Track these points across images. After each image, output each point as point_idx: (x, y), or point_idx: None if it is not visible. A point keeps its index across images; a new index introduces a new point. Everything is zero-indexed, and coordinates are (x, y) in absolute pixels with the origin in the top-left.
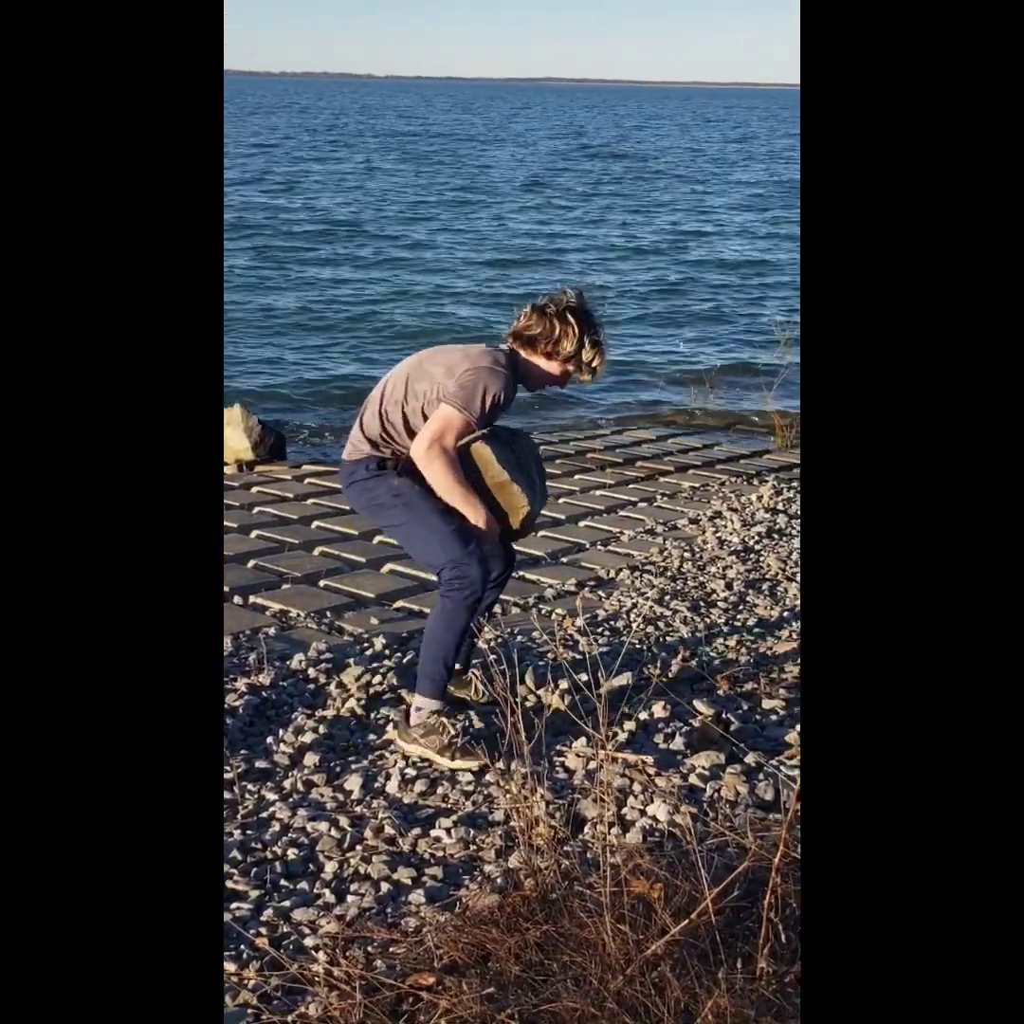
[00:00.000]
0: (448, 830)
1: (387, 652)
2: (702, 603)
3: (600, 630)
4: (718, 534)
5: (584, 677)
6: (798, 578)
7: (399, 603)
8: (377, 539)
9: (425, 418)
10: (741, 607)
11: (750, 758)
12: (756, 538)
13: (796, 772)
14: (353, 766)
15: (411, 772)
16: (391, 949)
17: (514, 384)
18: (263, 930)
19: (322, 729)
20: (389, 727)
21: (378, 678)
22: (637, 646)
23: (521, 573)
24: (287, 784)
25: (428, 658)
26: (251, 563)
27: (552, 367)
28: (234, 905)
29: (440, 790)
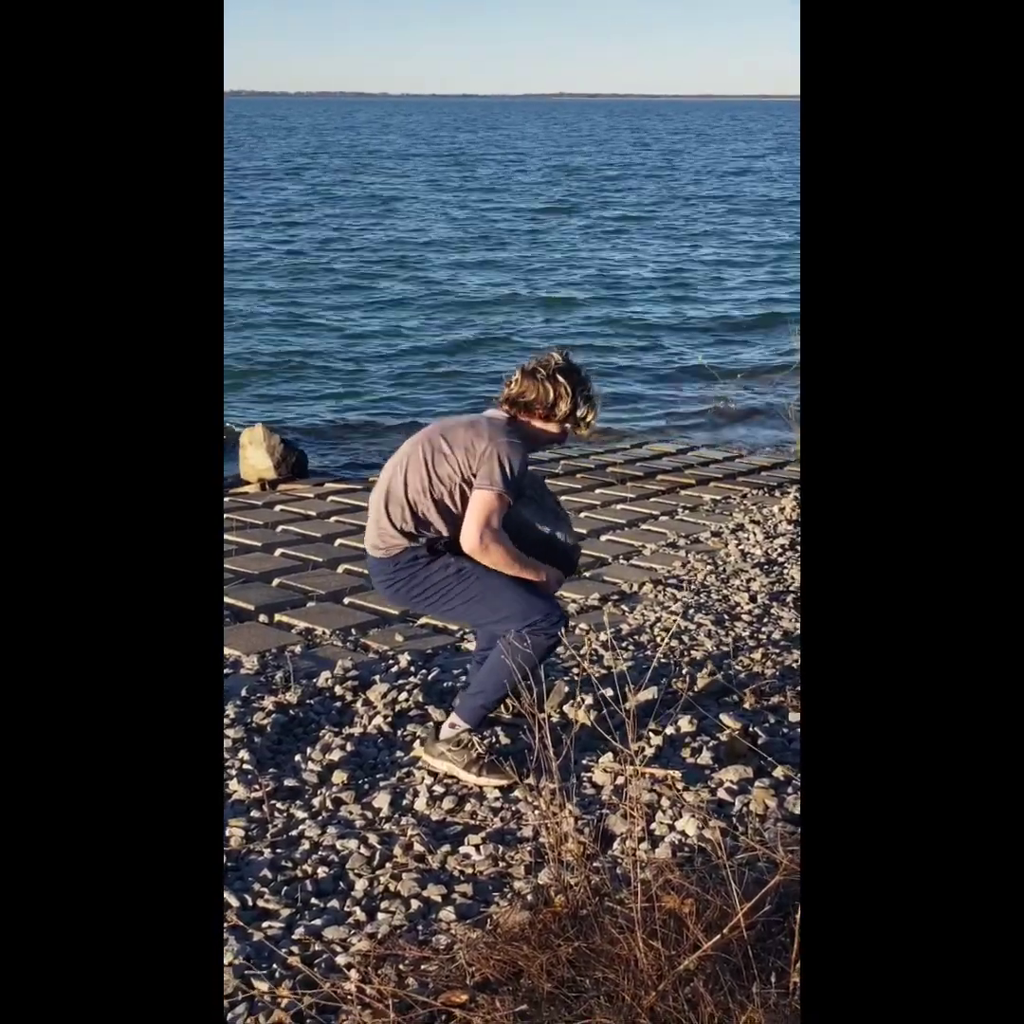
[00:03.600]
0: (477, 847)
1: (412, 668)
2: (726, 616)
3: (625, 644)
4: (741, 547)
5: (610, 692)
6: None
7: (423, 620)
8: None
9: (453, 500)
10: (766, 620)
11: (779, 771)
12: (779, 550)
13: None
14: (381, 783)
15: (439, 789)
16: (423, 967)
17: (527, 448)
18: (295, 949)
19: (349, 746)
20: (416, 744)
21: (404, 695)
22: (662, 660)
23: None
24: (316, 802)
25: (486, 689)
26: (276, 581)
27: (550, 427)
28: (266, 924)
29: (468, 807)
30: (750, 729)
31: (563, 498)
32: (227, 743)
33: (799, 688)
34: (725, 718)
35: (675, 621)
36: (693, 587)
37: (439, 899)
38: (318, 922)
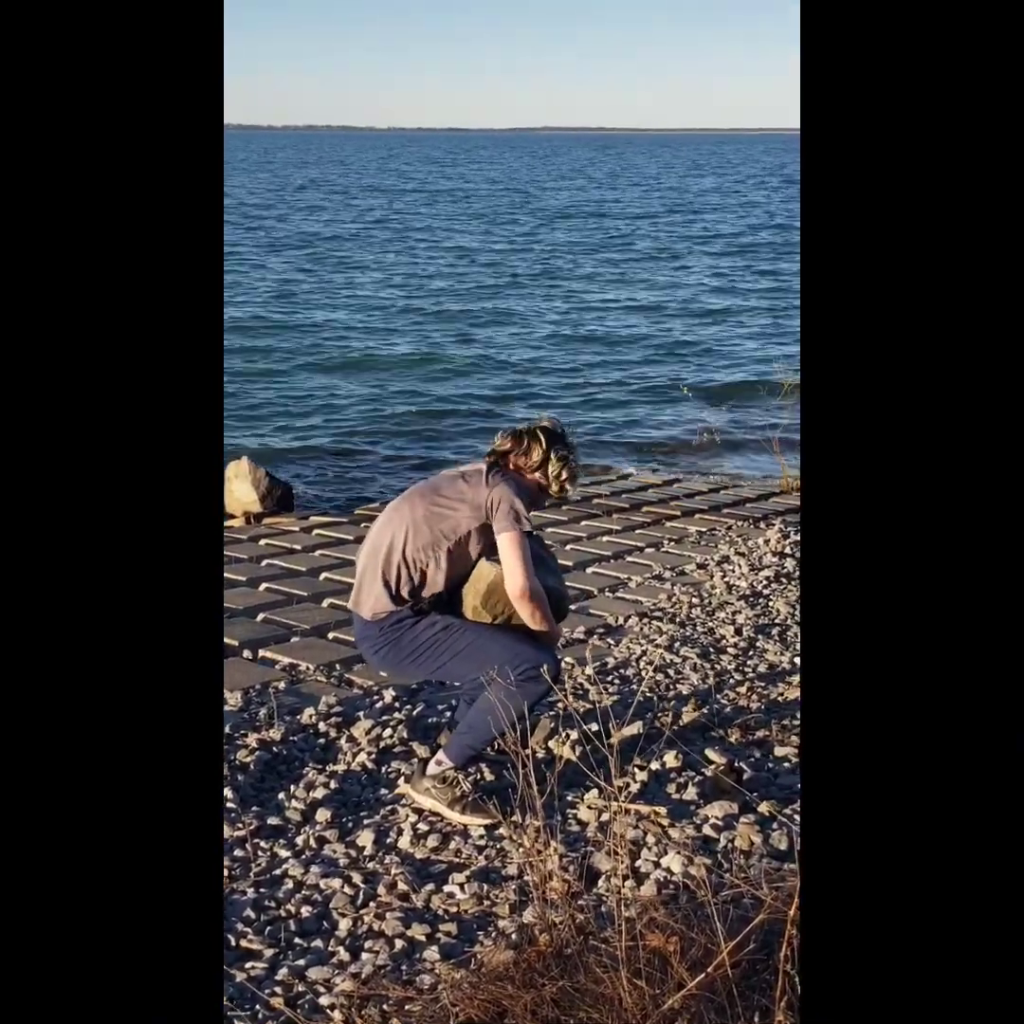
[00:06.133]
0: (461, 885)
1: (397, 704)
2: (712, 649)
3: (610, 678)
4: (726, 579)
5: (595, 727)
6: None
7: None
8: None
9: (455, 556)
10: (751, 653)
11: (764, 807)
12: (764, 582)
13: None
14: (365, 821)
15: (423, 827)
16: (407, 1007)
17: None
18: (278, 989)
19: (333, 784)
20: (401, 781)
21: (388, 731)
22: (647, 694)
23: None
24: (299, 841)
25: (475, 729)
26: (260, 616)
27: (524, 479)
28: (249, 964)
29: (452, 845)
30: (735, 764)
31: (548, 530)
32: None
33: (784, 722)
34: (710, 753)
35: (660, 654)
36: (678, 620)
37: (423, 938)
38: (301, 962)
